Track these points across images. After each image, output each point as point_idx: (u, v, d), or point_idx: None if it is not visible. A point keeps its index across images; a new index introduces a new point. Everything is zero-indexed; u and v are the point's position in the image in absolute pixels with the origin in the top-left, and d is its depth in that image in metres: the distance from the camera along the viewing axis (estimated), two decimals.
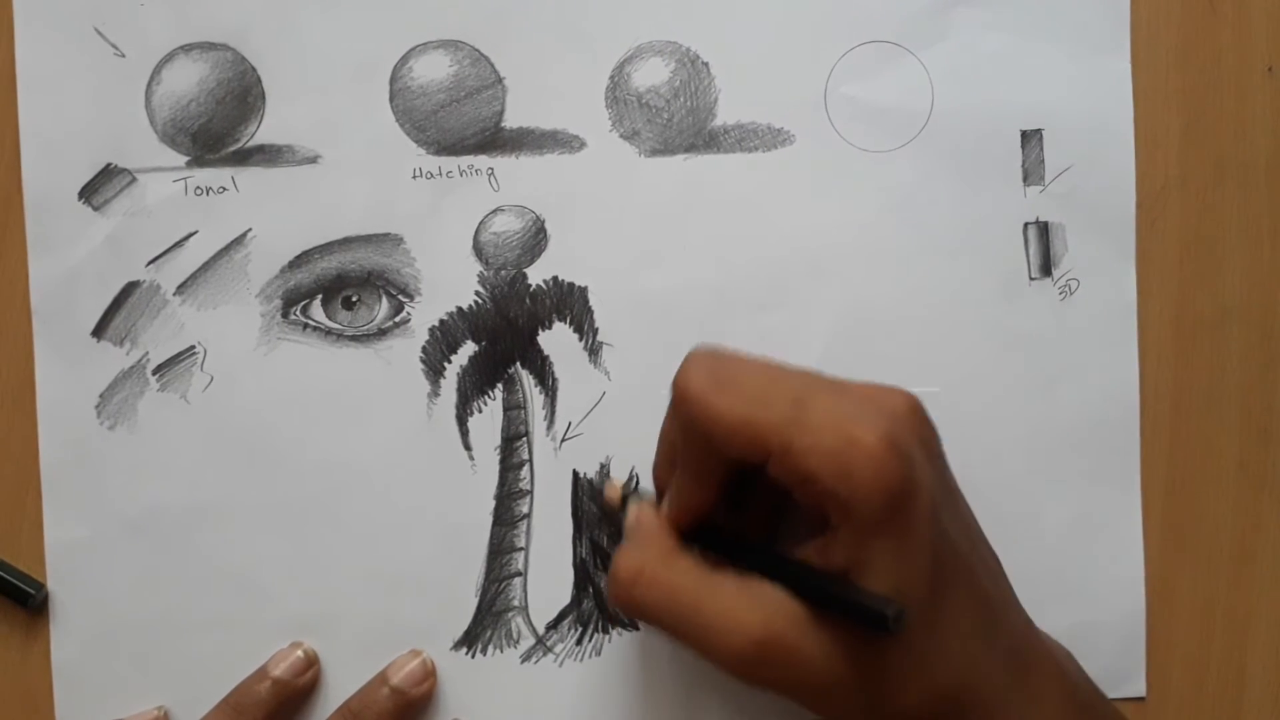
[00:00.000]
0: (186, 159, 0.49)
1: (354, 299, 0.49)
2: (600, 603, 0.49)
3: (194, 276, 0.49)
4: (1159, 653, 0.49)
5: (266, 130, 0.49)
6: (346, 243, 0.49)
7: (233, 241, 0.49)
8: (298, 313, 0.49)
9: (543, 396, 0.49)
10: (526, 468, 0.49)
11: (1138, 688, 0.49)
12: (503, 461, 0.49)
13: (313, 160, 0.49)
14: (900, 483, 0.37)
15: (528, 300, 0.49)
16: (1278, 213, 0.50)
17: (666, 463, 0.43)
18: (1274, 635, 0.49)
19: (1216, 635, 0.49)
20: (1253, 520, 0.50)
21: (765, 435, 0.38)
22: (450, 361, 0.49)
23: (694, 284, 0.49)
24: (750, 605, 0.38)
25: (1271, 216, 0.50)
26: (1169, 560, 0.49)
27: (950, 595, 0.38)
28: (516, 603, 0.49)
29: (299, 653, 0.48)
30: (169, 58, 0.49)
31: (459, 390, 0.49)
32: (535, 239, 0.49)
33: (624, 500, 0.46)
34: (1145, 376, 0.49)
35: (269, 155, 0.49)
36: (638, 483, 0.49)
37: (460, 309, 0.49)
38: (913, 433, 0.39)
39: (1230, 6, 0.50)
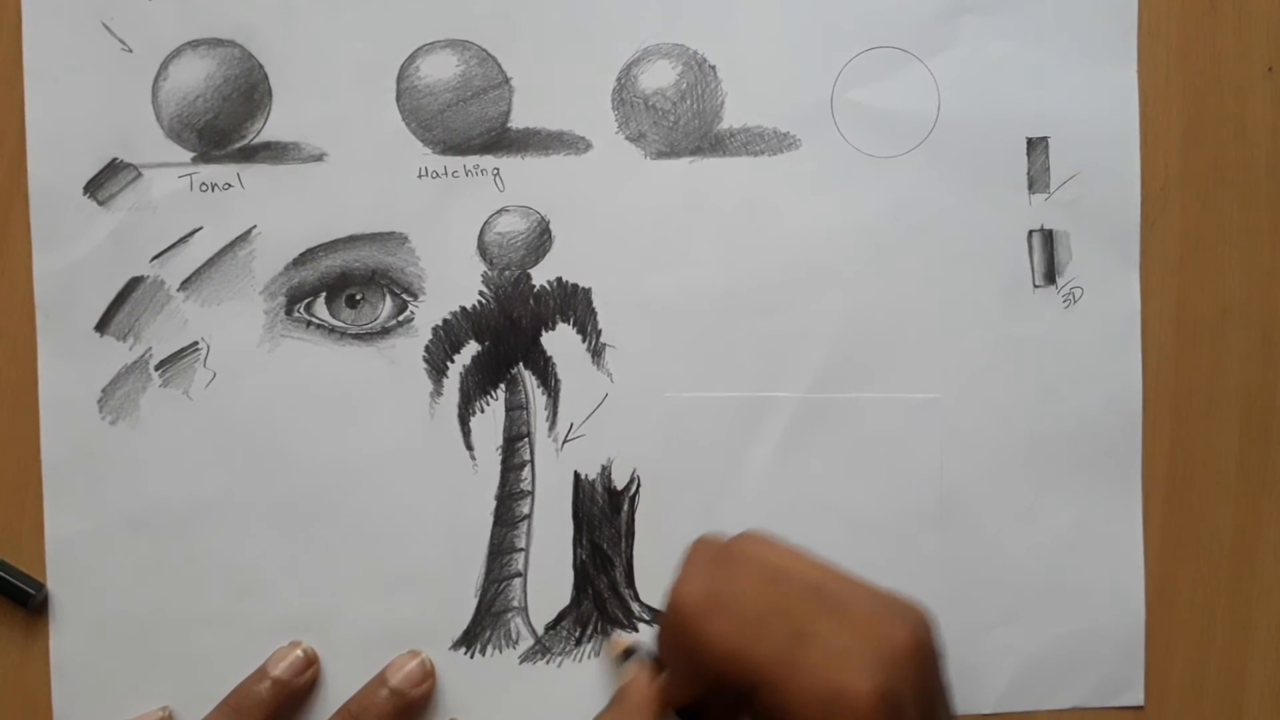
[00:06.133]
0: (192, 155, 0.49)
1: (358, 297, 0.49)
2: (599, 604, 0.49)
3: (198, 272, 0.49)
4: (1157, 659, 0.49)
5: (273, 127, 0.49)
6: (351, 241, 0.49)
7: (237, 238, 0.49)
8: (301, 310, 0.49)
9: (545, 397, 0.49)
10: (528, 468, 0.49)
11: (1136, 697, 0.49)
12: (504, 462, 0.49)
13: (318, 158, 0.49)
14: None
15: (531, 301, 0.49)
16: (1278, 213, 0.50)
17: (664, 645, 0.42)
18: (1274, 638, 0.49)
19: (1216, 639, 0.49)
20: (1253, 521, 0.50)
21: (755, 670, 0.37)
22: (453, 361, 0.49)
23: (698, 287, 0.49)
24: None
25: (1271, 216, 0.50)
26: (1169, 561, 0.49)
27: None
28: (516, 603, 0.49)
29: (298, 652, 0.48)
30: (176, 53, 0.49)
31: (461, 390, 0.49)
32: (540, 240, 0.49)
33: (625, 654, 0.46)
34: (1145, 377, 0.49)
35: (275, 152, 0.49)
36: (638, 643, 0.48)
37: (464, 309, 0.49)
38: (910, 679, 0.37)
39: (1230, 7, 0.50)
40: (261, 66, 0.49)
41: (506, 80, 0.49)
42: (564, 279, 0.49)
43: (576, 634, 0.49)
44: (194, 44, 0.49)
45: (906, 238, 0.49)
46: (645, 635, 0.49)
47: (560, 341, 0.49)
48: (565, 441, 0.49)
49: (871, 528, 0.49)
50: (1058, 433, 0.49)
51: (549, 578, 0.49)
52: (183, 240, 0.49)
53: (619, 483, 0.49)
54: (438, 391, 0.49)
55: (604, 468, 0.49)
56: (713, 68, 0.49)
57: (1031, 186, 0.49)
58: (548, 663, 0.49)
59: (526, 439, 0.49)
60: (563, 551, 0.49)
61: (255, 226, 0.49)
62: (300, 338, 0.49)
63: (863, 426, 0.49)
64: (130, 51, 0.49)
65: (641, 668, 0.43)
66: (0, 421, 0.49)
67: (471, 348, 0.49)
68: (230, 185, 0.49)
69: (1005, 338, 0.49)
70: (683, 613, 0.39)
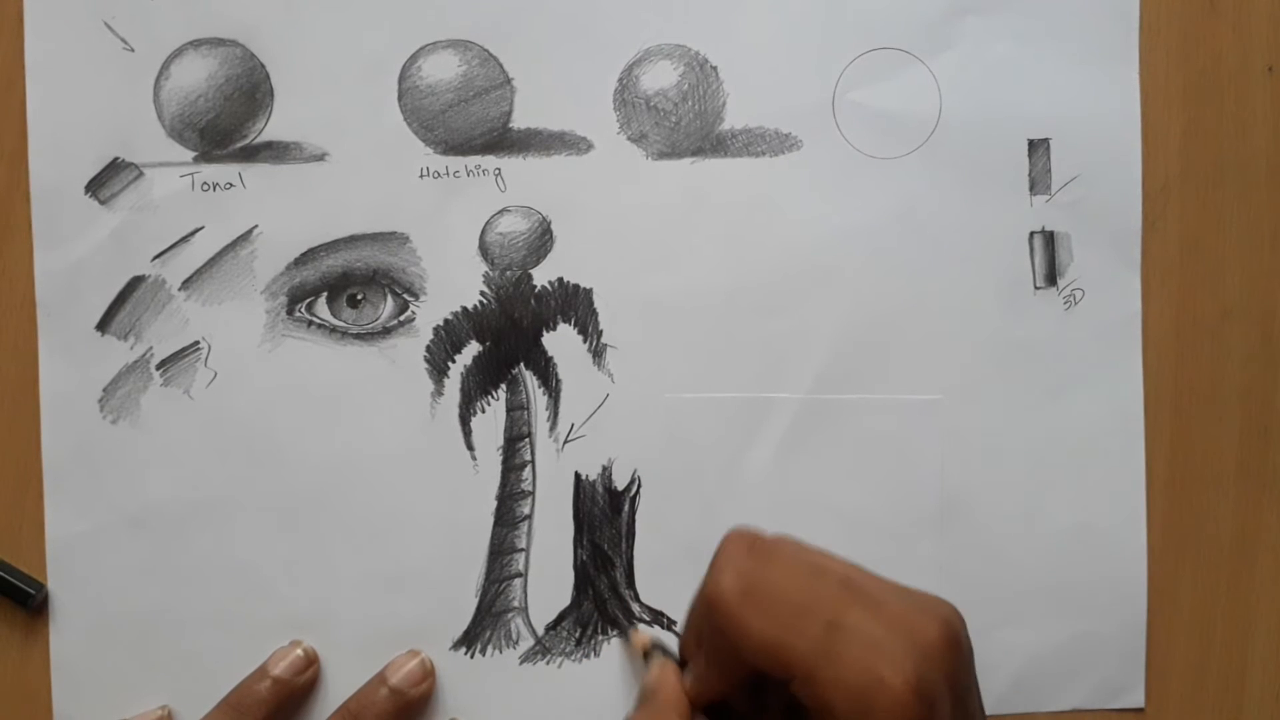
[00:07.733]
0: (194, 154, 0.49)
1: (359, 297, 0.49)
2: (600, 605, 0.49)
3: (199, 272, 0.49)
4: (1158, 660, 0.49)
5: (274, 127, 0.49)
6: (353, 241, 0.49)
7: (239, 238, 0.49)
8: (302, 310, 0.49)
9: (546, 398, 0.49)
10: (529, 469, 0.49)
11: (1136, 699, 0.49)
12: (505, 462, 0.49)
13: (320, 158, 0.49)
14: None
15: (533, 301, 0.49)
16: (1278, 213, 0.50)
17: (694, 641, 0.42)
18: (1274, 638, 0.49)
19: (1216, 640, 0.49)
20: (1253, 521, 0.50)
21: (792, 661, 0.37)
22: (454, 361, 0.49)
23: (699, 288, 0.49)
24: None
25: (1271, 217, 0.50)
26: (1169, 562, 0.49)
27: None
28: (516, 603, 0.49)
29: (298, 651, 0.48)
30: (178, 53, 0.49)
31: (462, 390, 0.49)
32: (541, 240, 0.49)
33: (647, 653, 0.46)
34: (1146, 378, 0.50)
35: (276, 152, 0.49)
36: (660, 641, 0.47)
37: (465, 309, 0.49)
38: (942, 673, 0.37)
39: (1230, 6, 0.50)
40: (263, 66, 0.49)
41: (508, 80, 0.49)
42: (565, 279, 0.49)
43: (577, 634, 0.49)
44: (196, 43, 0.49)
45: (907, 239, 0.49)
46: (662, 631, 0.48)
47: (561, 342, 0.49)
48: (566, 442, 0.49)
49: (872, 529, 0.49)
50: (1059, 434, 0.49)
51: (549, 578, 0.49)
52: (184, 240, 0.49)
53: (620, 483, 0.49)
54: (438, 392, 0.49)
55: (605, 468, 0.49)
56: (714, 68, 0.49)
57: (1033, 188, 0.49)
58: (548, 663, 0.49)
59: (527, 439, 0.49)
60: (563, 552, 0.49)
61: (256, 226, 0.49)
62: (301, 337, 0.49)
63: (863, 428, 0.49)
64: (132, 51, 0.49)
65: (666, 666, 0.43)
66: (0, 421, 0.49)
67: (472, 348, 0.49)
68: (232, 185, 0.49)
69: (1006, 339, 0.49)
70: (721, 604, 0.39)
